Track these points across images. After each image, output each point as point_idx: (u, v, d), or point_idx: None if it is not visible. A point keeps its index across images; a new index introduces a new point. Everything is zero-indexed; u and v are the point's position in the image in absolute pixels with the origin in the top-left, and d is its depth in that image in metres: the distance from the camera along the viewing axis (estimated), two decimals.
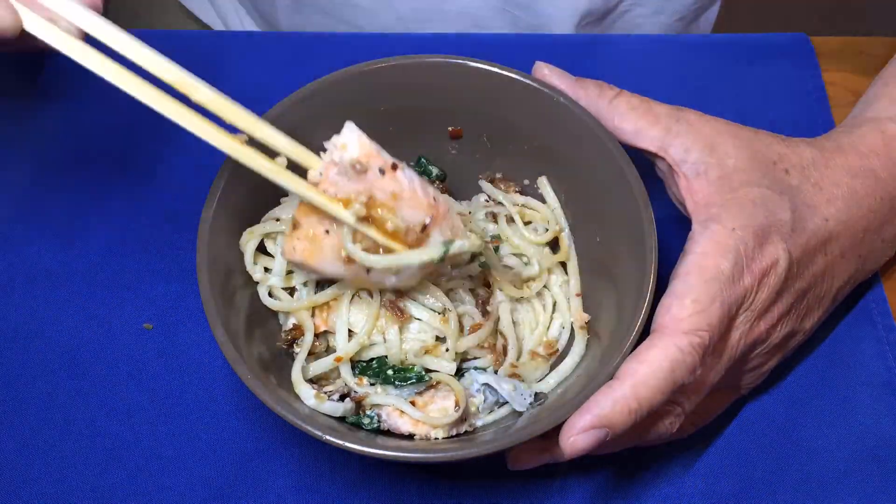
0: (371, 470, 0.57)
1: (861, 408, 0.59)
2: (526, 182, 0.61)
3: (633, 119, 0.54)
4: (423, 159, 0.61)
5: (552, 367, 0.56)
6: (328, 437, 0.47)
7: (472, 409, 0.54)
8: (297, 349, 0.54)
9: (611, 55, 0.73)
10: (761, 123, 0.57)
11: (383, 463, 0.57)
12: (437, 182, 0.62)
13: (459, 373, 0.54)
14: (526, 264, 0.58)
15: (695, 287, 0.48)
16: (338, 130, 0.59)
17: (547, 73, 0.56)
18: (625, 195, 0.54)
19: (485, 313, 0.54)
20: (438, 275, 0.54)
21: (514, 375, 0.54)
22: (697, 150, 0.53)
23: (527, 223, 0.59)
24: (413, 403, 0.53)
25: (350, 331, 0.53)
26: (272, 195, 0.58)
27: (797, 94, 0.71)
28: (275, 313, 0.57)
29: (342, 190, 0.48)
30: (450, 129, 0.60)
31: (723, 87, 0.71)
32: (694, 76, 0.72)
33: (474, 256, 0.53)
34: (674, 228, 0.59)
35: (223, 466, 0.57)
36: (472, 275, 0.55)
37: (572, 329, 0.57)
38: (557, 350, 0.56)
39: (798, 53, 0.73)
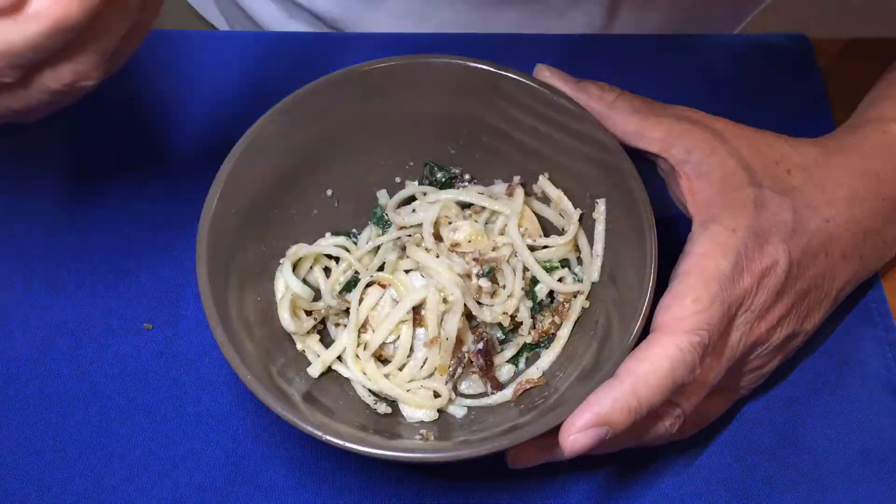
0: (371, 470, 0.57)
1: (861, 408, 0.59)
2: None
3: (634, 120, 0.54)
4: (428, 165, 0.61)
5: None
6: (328, 437, 0.47)
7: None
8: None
9: (611, 55, 0.73)
10: (761, 123, 0.57)
11: (383, 463, 0.57)
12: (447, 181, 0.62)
13: None
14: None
15: (695, 287, 0.48)
16: (337, 130, 0.59)
17: (548, 74, 0.56)
18: (625, 195, 0.54)
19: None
20: None
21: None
22: (699, 151, 0.53)
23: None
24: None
25: None
26: (274, 196, 0.58)
27: (797, 94, 0.71)
28: (274, 312, 0.57)
29: None
30: None
31: (723, 87, 0.71)
32: (694, 76, 0.72)
33: None
34: (674, 228, 0.59)
35: (223, 466, 0.57)
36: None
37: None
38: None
39: (798, 53, 0.73)
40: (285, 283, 0.57)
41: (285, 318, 0.56)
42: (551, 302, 0.59)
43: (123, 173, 0.67)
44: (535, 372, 0.56)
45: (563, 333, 0.57)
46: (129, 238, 0.64)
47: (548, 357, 0.57)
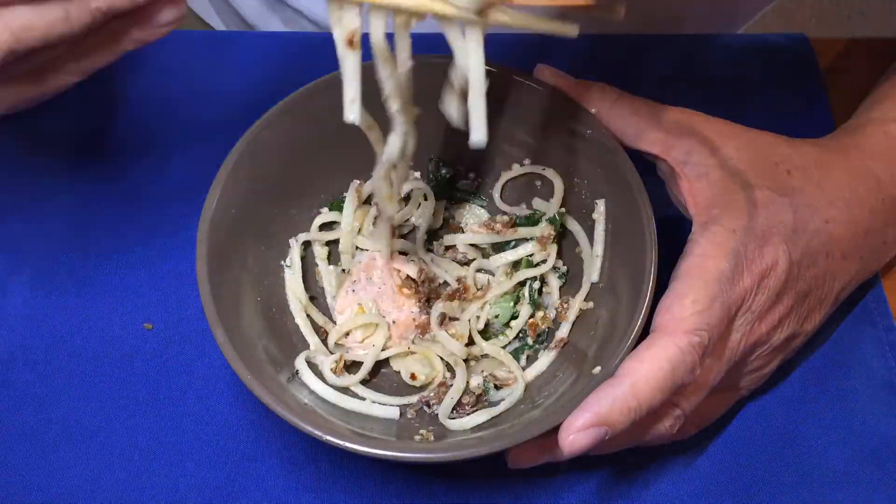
0: (371, 469, 0.57)
1: (861, 408, 0.59)
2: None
3: (634, 121, 0.54)
4: (433, 160, 0.62)
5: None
6: (328, 437, 0.47)
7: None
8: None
9: (611, 55, 0.73)
10: (761, 124, 0.57)
11: (383, 463, 0.57)
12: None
13: None
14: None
15: (695, 287, 0.48)
16: (337, 130, 0.59)
17: (548, 74, 0.56)
18: (625, 195, 0.54)
19: None
20: None
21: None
22: (699, 152, 0.53)
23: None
24: None
25: None
26: (274, 196, 0.58)
27: (797, 95, 0.71)
28: (274, 313, 0.57)
29: None
30: None
31: (723, 88, 0.71)
32: (694, 76, 0.72)
33: None
34: (674, 228, 0.59)
35: (223, 466, 0.57)
36: None
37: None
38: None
39: (798, 53, 0.73)
40: (297, 296, 0.59)
41: (312, 342, 0.57)
42: (539, 295, 0.59)
43: (123, 174, 0.67)
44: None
45: (562, 333, 0.57)
46: (129, 238, 0.64)
47: (547, 356, 0.57)
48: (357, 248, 0.61)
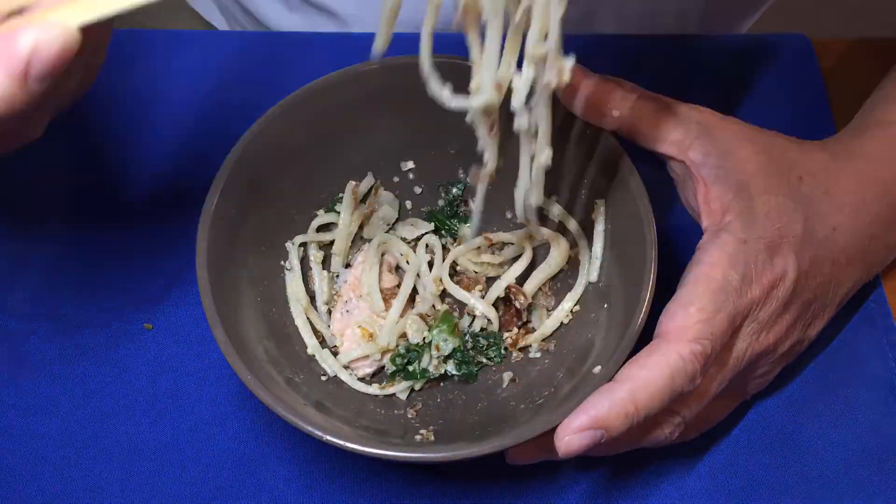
0: (371, 469, 0.57)
1: (861, 408, 0.59)
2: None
3: (655, 122, 0.52)
4: (440, 187, 0.63)
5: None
6: (328, 437, 0.47)
7: None
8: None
9: (610, 55, 0.73)
10: (761, 124, 0.57)
11: (383, 463, 0.57)
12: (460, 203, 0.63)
13: None
14: None
15: (702, 296, 0.48)
16: (337, 131, 0.59)
17: (578, 72, 0.53)
18: (625, 195, 0.54)
19: None
20: None
21: None
22: (717, 155, 0.52)
23: None
24: None
25: None
26: (273, 194, 0.58)
27: (797, 94, 0.71)
28: (274, 313, 0.57)
29: None
30: None
31: (723, 88, 0.71)
32: (694, 76, 0.72)
33: None
34: (682, 236, 0.59)
35: (223, 467, 0.57)
36: None
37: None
38: None
39: (798, 53, 0.73)
40: (297, 298, 0.59)
41: (310, 343, 0.57)
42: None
43: (123, 173, 0.67)
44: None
45: (546, 330, 0.58)
46: (129, 238, 0.64)
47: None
48: (346, 265, 0.61)
